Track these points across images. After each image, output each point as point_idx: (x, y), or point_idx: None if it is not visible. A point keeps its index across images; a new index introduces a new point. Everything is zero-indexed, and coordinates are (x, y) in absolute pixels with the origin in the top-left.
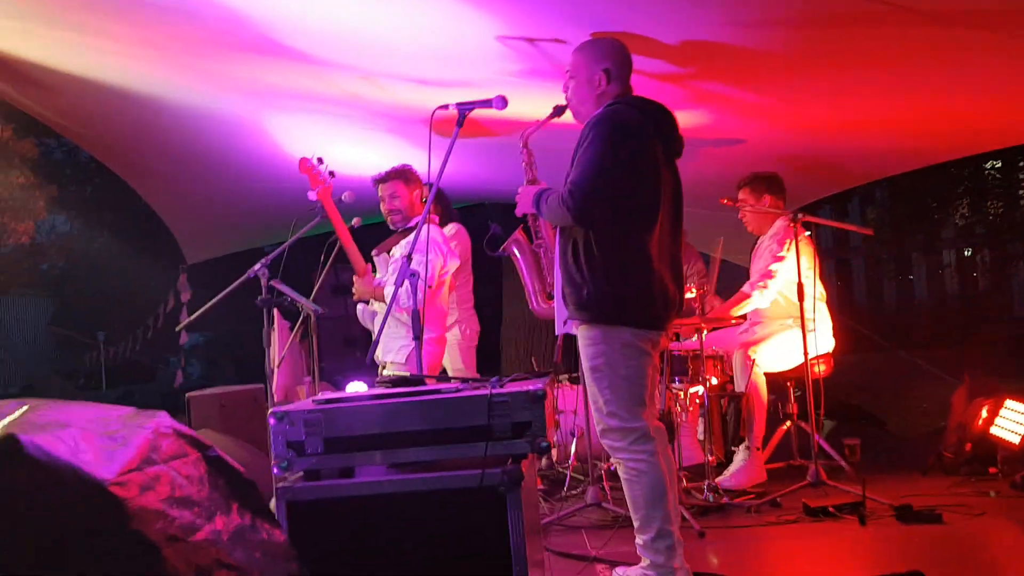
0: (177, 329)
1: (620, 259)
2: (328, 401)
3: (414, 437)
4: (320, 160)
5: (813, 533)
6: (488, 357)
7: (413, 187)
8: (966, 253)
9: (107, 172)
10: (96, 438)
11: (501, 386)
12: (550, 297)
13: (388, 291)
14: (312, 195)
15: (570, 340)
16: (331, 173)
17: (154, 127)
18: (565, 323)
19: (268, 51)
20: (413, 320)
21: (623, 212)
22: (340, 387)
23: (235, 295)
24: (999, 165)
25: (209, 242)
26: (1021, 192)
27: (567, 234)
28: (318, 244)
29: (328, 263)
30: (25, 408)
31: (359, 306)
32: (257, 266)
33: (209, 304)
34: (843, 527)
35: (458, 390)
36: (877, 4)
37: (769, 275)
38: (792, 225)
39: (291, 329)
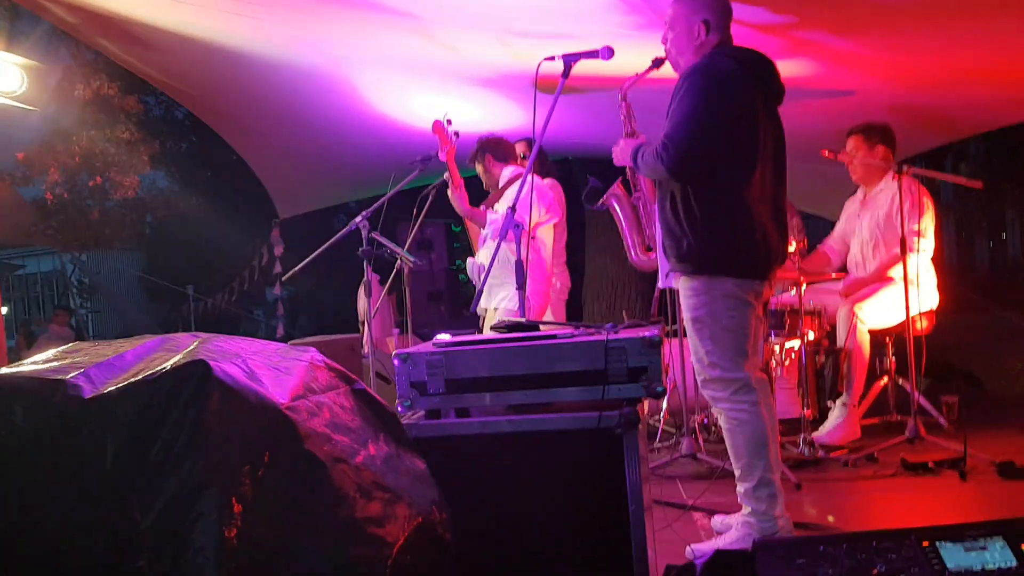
0: (283, 279)
1: (718, 211)
2: (449, 344)
3: (532, 380)
4: (449, 121)
5: (912, 487)
6: (572, 312)
7: (503, 160)
8: None
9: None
10: (265, 368)
11: (616, 332)
12: (649, 249)
13: (490, 245)
14: (442, 155)
15: (663, 295)
16: (456, 134)
17: (248, 83)
18: (667, 276)
19: (367, 5)
20: (517, 270)
21: (719, 164)
22: (426, 340)
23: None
24: None
25: (300, 197)
26: None
27: (665, 186)
28: (407, 200)
29: (420, 218)
30: (198, 340)
31: (468, 260)
32: (359, 218)
33: (314, 254)
34: (943, 482)
35: (572, 335)
36: None
37: (918, 234)
38: (903, 176)
39: (381, 283)
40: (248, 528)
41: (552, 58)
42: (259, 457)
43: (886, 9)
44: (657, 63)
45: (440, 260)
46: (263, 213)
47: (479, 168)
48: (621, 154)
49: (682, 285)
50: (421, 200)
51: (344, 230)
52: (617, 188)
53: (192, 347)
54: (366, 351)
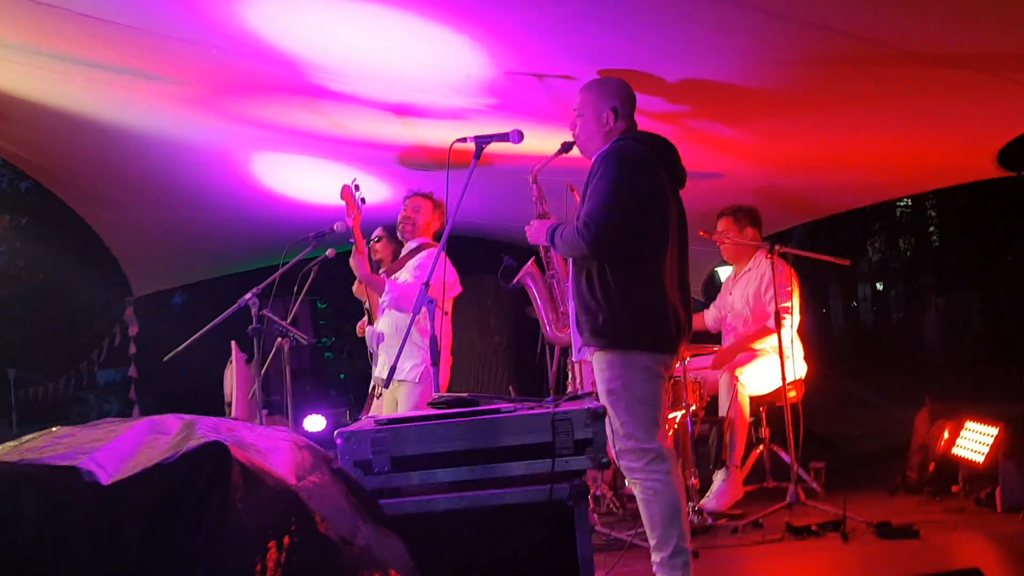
0: (165, 359)
1: (634, 286)
2: (392, 421)
3: (479, 455)
4: (357, 187)
5: (799, 551)
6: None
7: (436, 215)
8: (878, 287)
9: (49, 203)
10: (262, 450)
11: (557, 405)
12: (565, 326)
13: (390, 313)
14: (348, 221)
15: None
16: (363, 200)
17: (108, 155)
18: (580, 350)
19: (250, 81)
20: (431, 346)
21: (636, 241)
22: (298, 420)
23: (149, 330)
24: (910, 204)
25: (159, 273)
26: (931, 229)
27: (581, 264)
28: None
29: (302, 294)
30: (186, 422)
31: (368, 328)
32: (248, 295)
33: (200, 332)
34: (827, 544)
35: (516, 409)
36: (867, 45)
37: (787, 311)
38: (774, 257)
39: (248, 362)
40: None
41: (464, 140)
42: (280, 540)
43: (766, 99)
44: (566, 147)
45: (302, 334)
46: (114, 291)
47: (412, 204)
48: (535, 234)
49: (596, 359)
50: (303, 276)
51: (232, 307)
52: (531, 267)
53: (187, 429)
54: None
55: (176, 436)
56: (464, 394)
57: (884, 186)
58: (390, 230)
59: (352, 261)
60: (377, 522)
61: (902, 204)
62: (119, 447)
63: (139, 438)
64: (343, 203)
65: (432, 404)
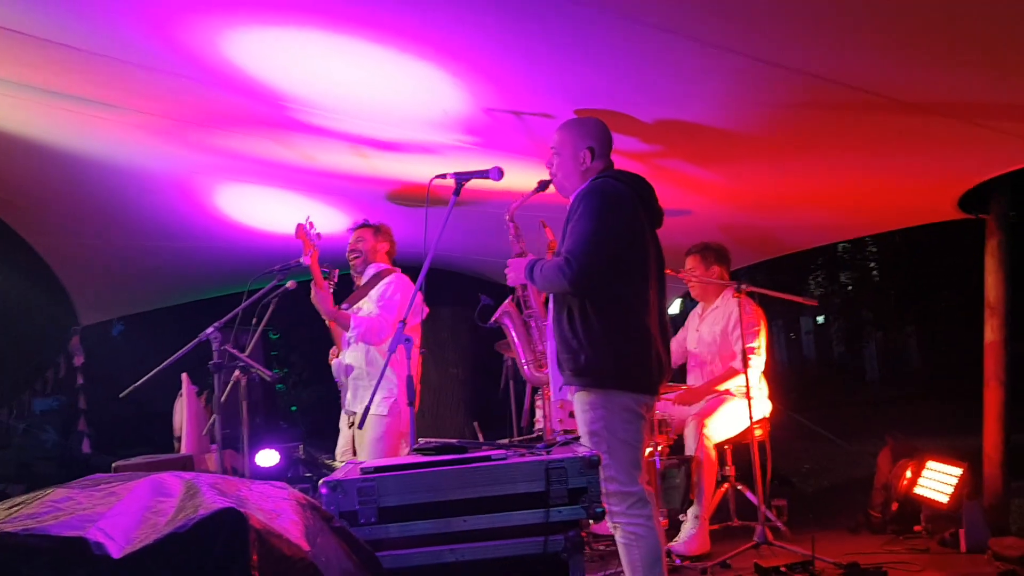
0: (121, 396)
1: (617, 325)
2: (377, 469)
3: (469, 504)
4: (312, 224)
5: None
6: None
7: (380, 238)
8: (819, 320)
9: None
10: (269, 512)
11: (549, 452)
12: (543, 366)
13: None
14: (306, 260)
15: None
16: (318, 235)
17: (59, 180)
18: (560, 389)
19: (218, 111)
20: (408, 386)
21: (617, 279)
22: (249, 455)
23: (89, 358)
24: (848, 245)
25: (109, 302)
26: (871, 266)
27: (562, 302)
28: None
29: (260, 327)
30: (187, 481)
31: (334, 361)
32: (210, 329)
33: (161, 366)
34: None
35: (506, 456)
36: (845, 90)
37: (753, 351)
38: (743, 297)
39: (199, 394)
40: None
41: (444, 176)
42: None
43: (738, 140)
44: (542, 186)
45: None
46: (60, 319)
47: (354, 236)
48: (515, 273)
49: (578, 399)
50: (262, 308)
51: (193, 342)
52: (508, 306)
53: (190, 490)
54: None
55: (181, 499)
56: (452, 440)
57: (848, 226)
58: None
59: (313, 298)
60: None
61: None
62: (124, 512)
63: (143, 502)
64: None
65: (418, 450)
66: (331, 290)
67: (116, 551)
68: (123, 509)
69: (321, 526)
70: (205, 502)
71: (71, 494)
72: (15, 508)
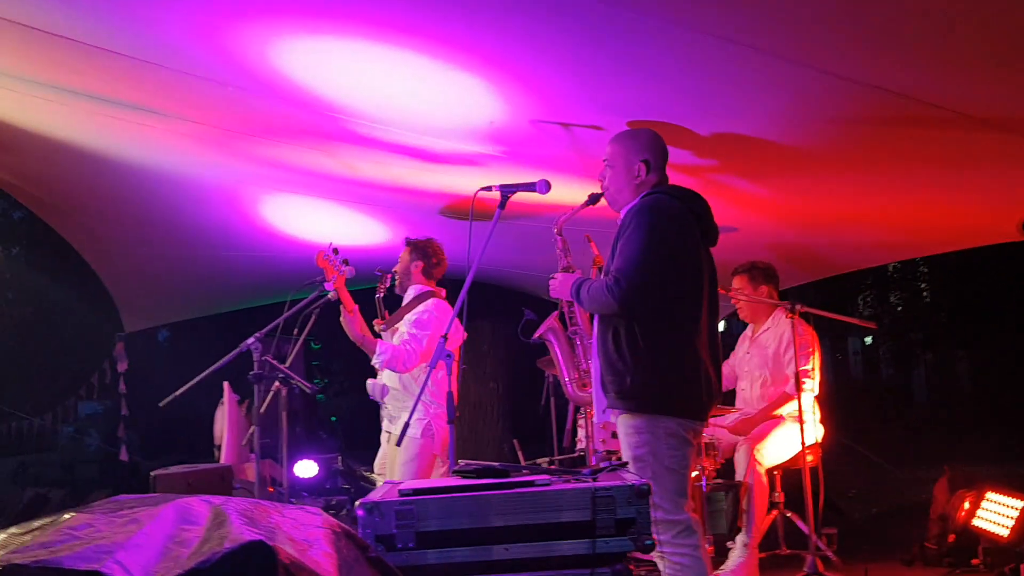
0: (161, 404)
1: (665, 347)
2: (417, 492)
3: (510, 531)
4: (336, 250)
5: None
6: None
7: (415, 258)
8: (867, 341)
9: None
10: (300, 540)
11: (595, 478)
12: (585, 385)
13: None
14: (329, 286)
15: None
16: (345, 262)
17: (107, 188)
18: (604, 411)
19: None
20: (448, 403)
21: (668, 300)
22: (288, 465)
23: (133, 365)
24: (899, 264)
25: (152, 309)
26: (922, 286)
27: (608, 321)
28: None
29: (302, 337)
30: (215, 507)
31: (369, 381)
32: (251, 340)
33: (201, 376)
34: None
35: (550, 481)
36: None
37: (807, 374)
38: (796, 318)
39: (240, 403)
40: None
41: (489, 188)
42: None
43: (795, 155)
44: (593, 199)
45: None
46: (105, 326)
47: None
48: (560, 288)
49: (622, 422)
50: (304, 319)
51: (235, 351)
52: (553, 322)
53: (218, 518)
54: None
55: (208, 528)
56: (494, 463)
57: (904, 246)
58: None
59: (343, 321)
60: None
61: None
62: (145, 543)
63: (166, 530)
64: (345, 244)
65: (458, 472)
66: (386, 287)
67: None
68: (144, 539)
69: (356, 556)
70: (232, 533)
71: (91, 520)
72: (30, 535)
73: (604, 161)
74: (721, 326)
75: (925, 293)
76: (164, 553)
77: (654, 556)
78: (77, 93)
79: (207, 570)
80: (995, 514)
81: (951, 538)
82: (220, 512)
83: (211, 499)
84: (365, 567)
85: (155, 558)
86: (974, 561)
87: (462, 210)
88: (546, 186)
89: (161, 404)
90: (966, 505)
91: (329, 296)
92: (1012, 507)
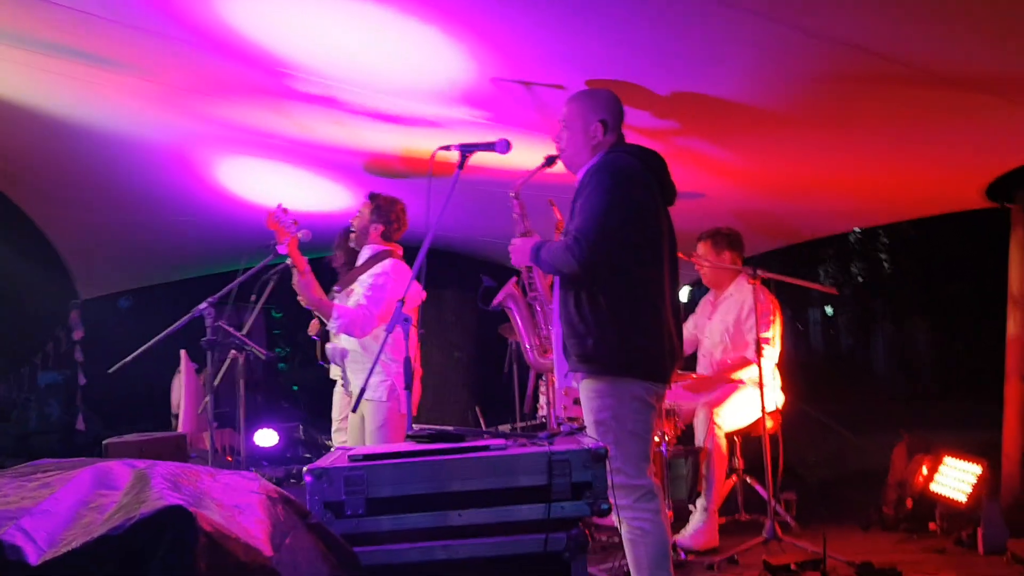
0: (111, 371)
1: (627, 308)
2: (367, 457)
3: (464, 497)
4: (285, 211)
5: None
6: None
7: (375, 219)
8: (827, 311)
9: None
10: (230, 506)
11: (551, 442)
12: (547, 351)
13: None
14: (282, 249)
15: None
16: (295, 223)
17: (59, 150)
18: (566, 376)
19: (218, 80)
20: (405, 368)
21: (629, 260)
22: (248, 434)
23: (93, 333)
24: (860, 235)
25: (110, 276)
26: (883, 256)
27: (569, 284)
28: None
29: (259, 305)
30: (137, 470)
31: (328, 345)
32: (203, 305)
33: (152, 341)
34: None
35: (505, 446)
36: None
37: (768, 341)
38: (758, 285)
39: (198, 372)
40: None
41: (448, 147)
42: None
43: (760, 116)
44: (550, 161)
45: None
46: (60, 293)
47: (360, 207)
48: (519, 252)
49: (585, 386)
50: (261, 285)
51: (186, 317)
52: (512, 288)
53: (139, 483)
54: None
55: (126, 494)
56: (449, 427)
57: (868, 212)
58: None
59: (295, 284)
60: None
61: (855, 230)
62: (55, 509)
63: (80, 495)
64: (303, 210)
65: (412, 437)
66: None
67: (35, 556)
68: (53, 505)
69: (293, 523)
70: (151, 498)
71: None
72: None
73: (561, 122)
74: (685, 294)
75: (886, 263)
76: (75, 519)
77: (614, 521)
78: (14, 37)
79: (119, 537)
80: (952, 479)
81: (909, 503)
82: (143, 476)
83: (135, 463)
84: (303, 534)
85: (64, 524)
86: (931, 526)
87: (417, 172)
88: (506, 145)
89: (110, 371)
90: (924, 471)
91: (287, 262)
92: (969, 472)
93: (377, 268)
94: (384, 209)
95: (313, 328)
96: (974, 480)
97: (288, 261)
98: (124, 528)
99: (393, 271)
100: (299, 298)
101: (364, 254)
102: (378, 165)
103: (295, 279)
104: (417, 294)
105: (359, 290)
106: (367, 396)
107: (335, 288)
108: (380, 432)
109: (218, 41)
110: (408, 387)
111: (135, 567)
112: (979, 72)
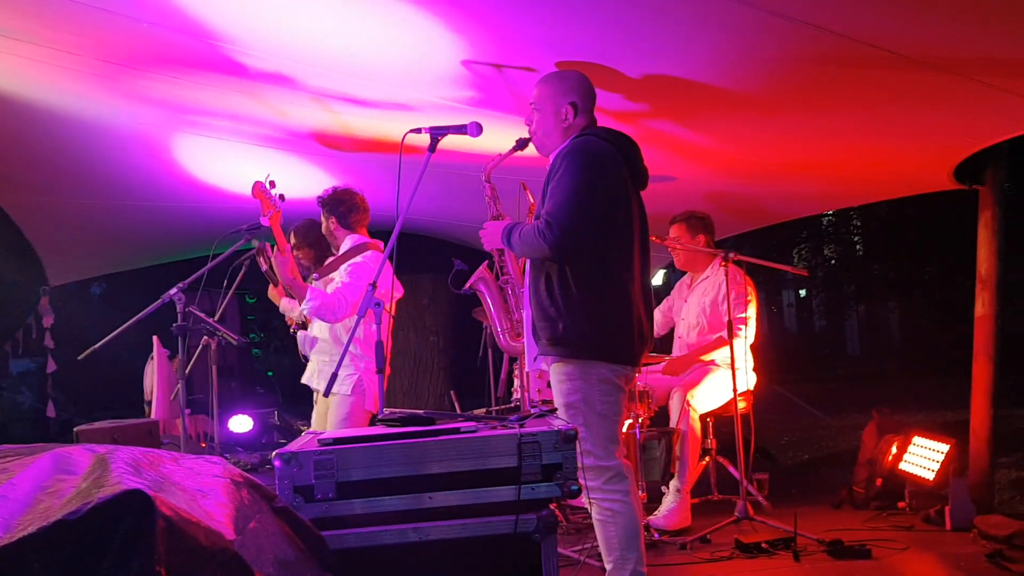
0: (80, 357)
1: (597, 292)
2: (337, 441)
3: (435, 480)
4: (272, 184)
5: (750, 569)
6: None
7: (326, 214)
8: (801, 294)
9: None
10: (193, 490)
11: (522, 425)
12: (519, 334)
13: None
14: (265, 221)
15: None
16: (281, 196)
17: (21, 132)
18: (536, 359)
19: (192, 62)
20: (377, 351)
21: (600, 243)
22: (222, 420)
23: (65, 320)
24: (833, 218)
25: (81, 262)
26: (856, 239)
27: (540, 267)
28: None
29: (231, 291)
30: (98, 455)
31: (300, 333)
32: (173, 290)
33: (123, 327)
34: (778, 563)
35: (476, 428)
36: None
37: (743, 322)
38: (728, 265)
39: (171, 358)
40: None
41: (418, 130)
42: None
43: (731, 100)
44: (521, 144)
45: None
46: (29, 279)
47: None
48: (491, 236)
49: (555, 370)
50: (233, 271)
51: (156, 303)
52: (483, 271)
53: (99, 467)
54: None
55: (85, 478)
56: (419, 411)
57: (838, 196)
58: (302, 233)
59: (275, 261)
60: (324, 569)
61: (829, 213)
62: (11, 495)
63: (38, 481)
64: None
65: (382, 420)
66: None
67: None
68: (10, 491)
69: (259, 508)
70: (110, 482)
71: None
72: None
73: (531, 104)
74: (660, 278)
75: (858, 246)
76: (32, 504)
77: (585, 503)
78: None
79: (75, 522)
80: (921, 458)
81: (879, 482)
82: (103, 461)
83: (96, 448)
84: (269, 519)
85: (20, 510)
86: (900, 504)
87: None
88: (477, 128)
89: (80, 357)
90: (893, 449)
91: (253, 247)
92: (938, 451)
93: (357, 258)
94: (328, 203)
95: (276, 299)
96: (942, 459)
97: (256, 245)
98: (81, 513)
99: (372, 261)
100: (269, 289)
101: (345, 244)
102: (346, 146)
103: (274, 258)
104: (393, 286)
105: (338, 278)
106: (333, 390)
107: (314, 276)
108: (342, 426)
109: (182, 22)
110: (380, 370)
111: (93, 551)
112: (946, 54)
